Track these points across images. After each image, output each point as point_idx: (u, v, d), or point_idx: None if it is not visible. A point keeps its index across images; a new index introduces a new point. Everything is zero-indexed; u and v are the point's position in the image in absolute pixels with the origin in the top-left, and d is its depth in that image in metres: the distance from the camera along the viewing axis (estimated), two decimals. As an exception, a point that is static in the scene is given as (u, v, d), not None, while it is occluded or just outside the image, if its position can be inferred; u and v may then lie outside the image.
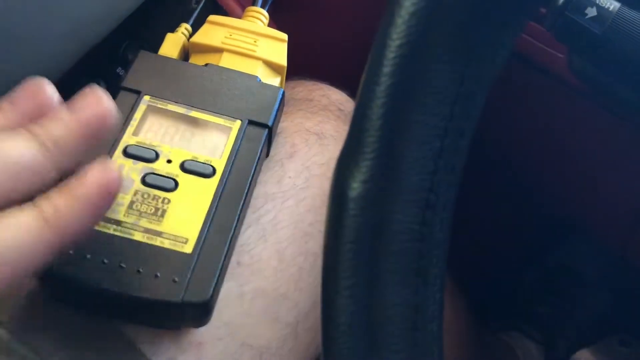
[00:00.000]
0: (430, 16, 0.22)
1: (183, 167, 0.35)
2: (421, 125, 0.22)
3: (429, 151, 0.23)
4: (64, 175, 0.28)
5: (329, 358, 0.23)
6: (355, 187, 0.23)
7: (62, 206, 0.26)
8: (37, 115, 0.28)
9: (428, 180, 0.23)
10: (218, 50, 0.40)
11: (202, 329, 0.34)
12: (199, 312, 0.32)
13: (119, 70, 0.50)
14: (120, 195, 0.34)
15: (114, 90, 0.37)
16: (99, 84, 0.50)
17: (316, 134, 0.43)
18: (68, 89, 0.52)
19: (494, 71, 0.24)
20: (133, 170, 0.34)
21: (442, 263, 0.24)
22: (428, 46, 0.22)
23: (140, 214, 0.33)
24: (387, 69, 0.22)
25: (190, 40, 0.41)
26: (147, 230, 0.33)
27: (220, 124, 0.37)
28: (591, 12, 0.36)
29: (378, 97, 0.22)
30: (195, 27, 0.41)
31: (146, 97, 0.37)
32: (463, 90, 0.23)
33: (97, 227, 0.32)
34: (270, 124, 0.37)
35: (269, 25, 0.43)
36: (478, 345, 0.67)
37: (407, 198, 0.23)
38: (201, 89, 0.38)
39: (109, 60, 0.51)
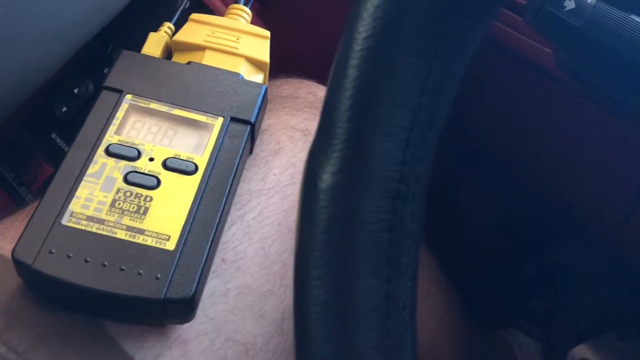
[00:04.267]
0: (396, 9, 0.23)
1: (165, 165, 0.35)
2: (389, 117, 0.22)
3: (397, 142, 0.23)
4: None
5: (301, 349, 0.23)
6: (325, 178, 0.23)
7: None
8: None
9: (397, 171, 0.23)
10: (200, 48, 0.40)
11: (188, 325, 0.34)
12: (183, 308, 0.32)
13: (107, 70, 0.50)
14: (103, 193, 0.34)
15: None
16: (86, 85, 0.50)
17: (302, 130, 0.43)
18: (57, 90, 0.52)
19: (463, 63, 0.24)
20: (115, 169, 0.35)
21: (414, 252, 0.24)
22: (394, 39, 0.23)
23: (123, 212, 0.33)
24: (353, 61, 0.23)
25: (173, 38, 0.41)
26: (129, 228, 0.33)
27: (202, 122, 0.37)
28: (569, 4, 0.36)
29: (345, 90, 0.23)
30: (179, 26, 0.42)
31: (128, 96, 0.37)
32: (431, 82, 0.23)
33: (79, 226, 0.33)
34: (252, 120, 0.37)
35: (254, 23, 0.43)
36: (475, 341, 0.67)
37: (376, 189, 0.23)
38: (183, 87, 0.38)
39: (97, 61, 0.51)
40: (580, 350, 0.58)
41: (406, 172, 0.23)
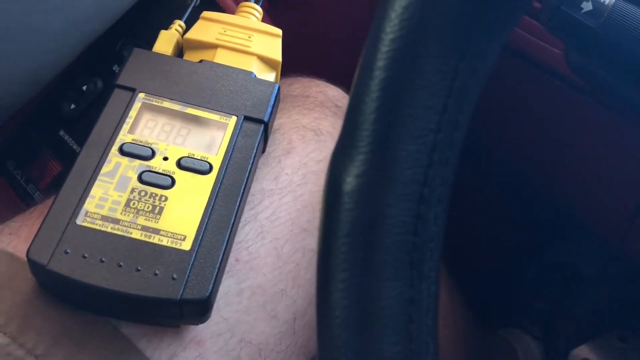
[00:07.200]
0: (424, 10, 0.22)
1: (179, 164, 0.35)
2: (414, 119, 0.22)
3: (423, 145, 0.23)
4: None
5: (324, 352, 0.23)
6: (350, 181, 0.23)
7: None
8: None
9: (422, 174, 0.23)
10: (212, 47, 0.40)
11: (202, 326, 0.34)
12: (198, 309, 0.32)
13: (115, 68, 0.50)
14: (117, 193, 0.34)
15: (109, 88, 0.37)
16: (95, 82, 0.50)
17: (313, 130, 0.43)
18: (65, 87, 0.52)
19: (488, 65, 0.24)
20: (129, 168, 0.34)
21: (436, 256, 0.24)
22: (421, 40, 0.22)
23: (138, 212, 0.33)
24: (380, 62, 0.22)
25: (184, 36, 0.41)
26: (144, 228, 0.33)
27: (216, 121, 0.37)
28: (587, 6, 0.36)
29: (372, 91, 0.22)
30: (190, 24, 0.41)
31: (141, 95, 0.37)
32: (457, 84, 0.23)
33: (94, 226, 0.32)
34: (266, 119, 0.37)
35: (264, 21, 0.43)
36: (477, 342, 0.67)
37: (400, 192, 0.22)
38: (196, 85, 0.38)
39: (106, 58, 0.51)
40: (582, 350, 0.58)
41: (431, 175, 0.23)
